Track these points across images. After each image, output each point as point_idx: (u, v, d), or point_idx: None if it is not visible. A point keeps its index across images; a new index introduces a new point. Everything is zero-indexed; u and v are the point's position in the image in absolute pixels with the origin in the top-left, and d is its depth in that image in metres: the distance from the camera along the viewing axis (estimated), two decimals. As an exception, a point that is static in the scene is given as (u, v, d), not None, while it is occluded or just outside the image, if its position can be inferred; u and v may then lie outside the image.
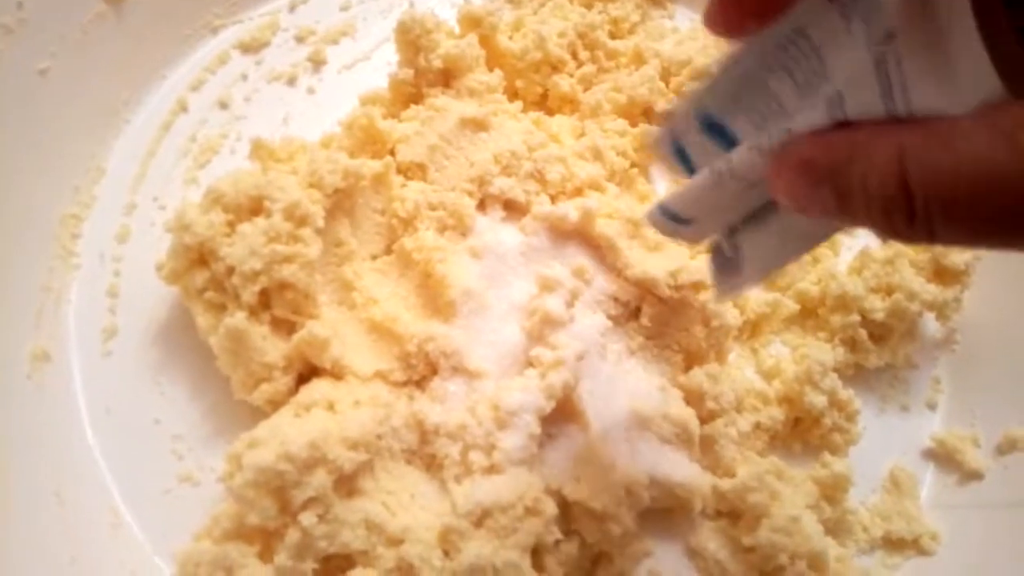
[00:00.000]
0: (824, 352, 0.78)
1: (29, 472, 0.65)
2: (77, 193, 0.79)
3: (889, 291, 0.81)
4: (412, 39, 0.81)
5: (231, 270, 0.68)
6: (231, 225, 0.70)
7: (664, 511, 0.72)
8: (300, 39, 0.92)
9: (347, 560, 0.64)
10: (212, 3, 0.89)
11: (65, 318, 0.74)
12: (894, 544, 0.76)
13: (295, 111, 0.87)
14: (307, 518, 0.61)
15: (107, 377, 0.72)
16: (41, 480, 0.66)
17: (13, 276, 0.71)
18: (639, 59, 0.90)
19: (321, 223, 0.71)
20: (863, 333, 0.80)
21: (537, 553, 0.64)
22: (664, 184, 0.88)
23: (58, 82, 0.76)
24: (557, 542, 0.65)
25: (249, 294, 0.68)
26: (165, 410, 0.72)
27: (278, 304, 0.70)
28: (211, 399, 0.72)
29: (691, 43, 0.92)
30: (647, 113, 0.88)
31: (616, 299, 0.76)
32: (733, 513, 0.72)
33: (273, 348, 0.69)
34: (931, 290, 0.81)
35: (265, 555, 0.62)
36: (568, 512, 0.67)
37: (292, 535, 0.61)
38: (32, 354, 0.71)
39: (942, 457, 0.80)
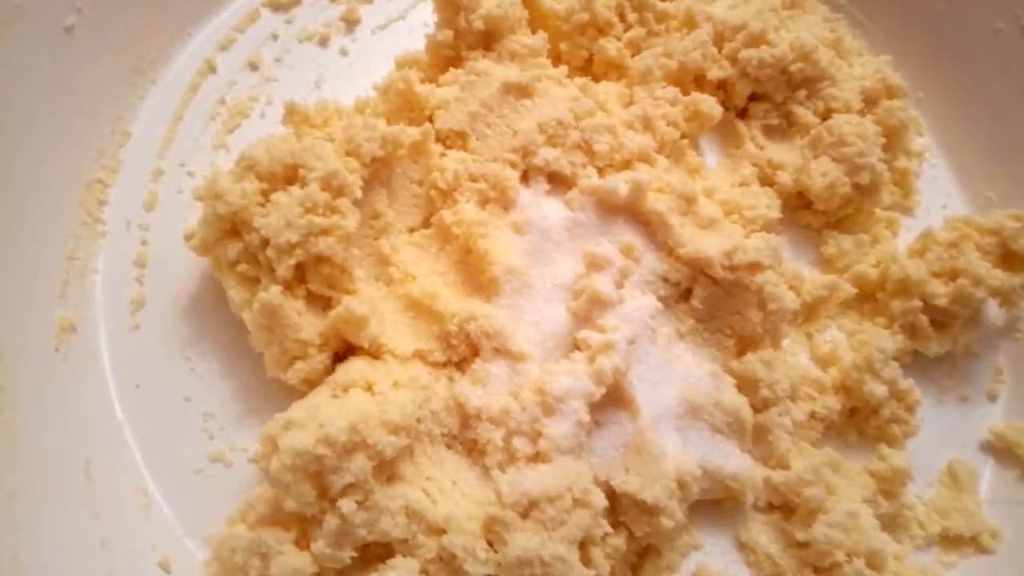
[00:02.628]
0: (884, 339, 0.74)
1: (58, 449, 0.63)
2: (102, 157, 0.75)
3: (953, 275, 0.77)
4: (453, -2, 0.77)
5: (265, 242, 0.65)
6: (265, 194, 0.67)
7: (714, 503, 0.69)
8: (333, -4, 0.87)
9: (386, 548, 0.61)
10: (241, -44, 0.85)
11: (92, 288, 0.71)
12: (952, 541, 0.72)
13: (327, 73, 0.83)
14: (346, 504, 0.58)
15: (136, 351, 0.70)
16: (70, 457, 0.64)
17: (38, 244, 0.68)
18: (690, 22, 0.85)
19: (359, 194, 0.67)
20: (924, 319, 0.76)
21: (583, 546, 0.61)
22: (715, 157, 0.84)
23: (83, 39, 0.72)
24: (604, 535, 0.62)
25: (284, 268, 0.64)
26: (196, 387, 0.69)
27: (314, 278, 0.66)
28: (243, 376, 0.69)
29: (744, 7, 0.87)
30: (699, 80, 0.83)
31: (666, 279, 0.72)
32: (786, 506, 0.69)
33: (308, 325, 0.66)
34: (998, 275, 0.76)
35: (301, 541, 0.60)
36: (616, 503, 0.64)
37: (330, 522, 0.58)
38: (59, 326, 0.68)
39: (1002, 451, 0.77)
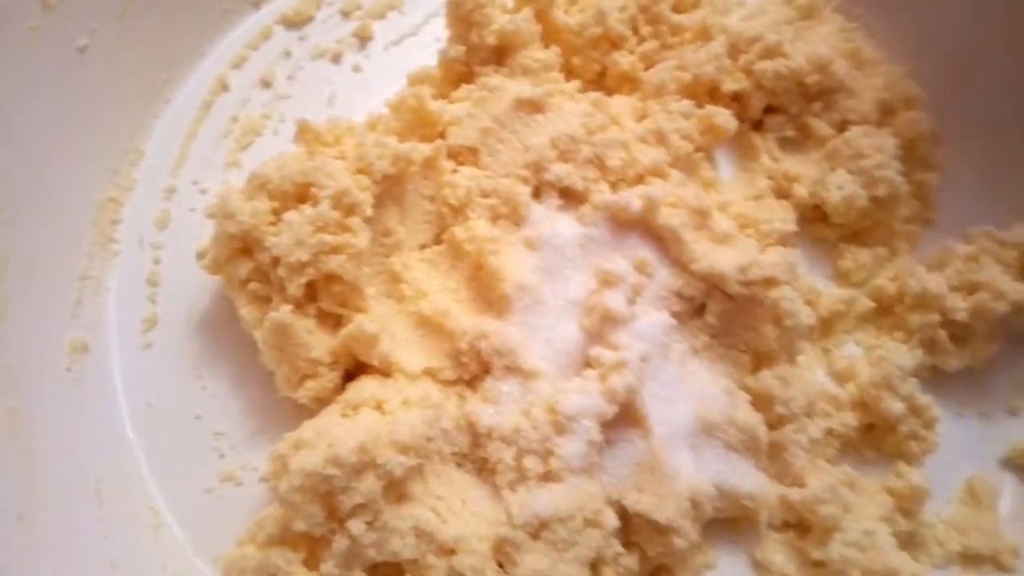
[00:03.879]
0: (903, 355, 0.72)
1: (69, 470, 0.63)
2: (116, 176, 0.76)
3: (972, 289, 0.75)
4: (464, 14, 0.76)
5: (277, 261, 0.65)
6: (276, 213, 0.67)
7: (728, 521, 0.68)
8: (345, 13, 0.87)
9: (396, 569, 0.61)
10: (254, -27, 0.85)
11: (104, 307, 0.72)
12: (971, 560, 0.71)
13: (340, 90, 0.83)
14: (356, 525, 0.58)
15: (147, 370, 0.70)
16: (81, 478, 0.64)
17: (52, 263, 0.69)
18: (705, 35, 0.84)
19: (370, 212, 0.67)
20: (943, 334, 0.75)
21: (594, 567, 0.61)
22: (730, 170, 0.83)
23: (97, 60, 0.72)
24: (616, 555, 0.62)
25: (295, 286, 0.65)
26: (207, 405, 0.69)
27: (325, 297, 0.66)
28: (254, 394, 0.69)
29: (760, 17, 0.86)
30: (713, 93, 0.82)
31: (680, 295, 0.71)
32: (802, 525, 0.68)
33: (319, 343, 0.66)
34: (1019, 289, 0.74)
35: (311, 562, 0.60)
36: (628, 523, 0.63)
37: (340, 542, 0.58)
38: (71, 346, 0.68)
39: (1023, 467, 0.75)
